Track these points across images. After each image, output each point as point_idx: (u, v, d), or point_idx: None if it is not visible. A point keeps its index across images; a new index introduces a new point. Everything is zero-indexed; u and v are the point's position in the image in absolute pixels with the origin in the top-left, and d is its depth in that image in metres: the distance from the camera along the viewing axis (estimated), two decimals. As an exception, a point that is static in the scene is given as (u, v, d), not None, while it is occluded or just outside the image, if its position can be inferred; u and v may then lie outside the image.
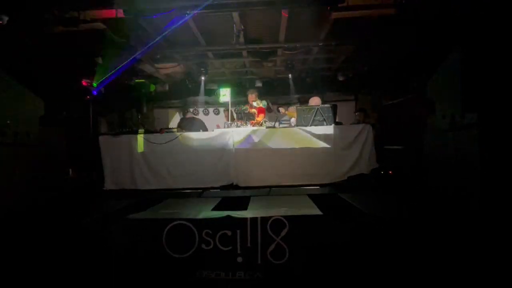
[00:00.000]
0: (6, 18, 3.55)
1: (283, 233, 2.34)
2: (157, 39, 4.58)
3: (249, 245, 2.35)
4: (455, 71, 2.40)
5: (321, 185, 3.99)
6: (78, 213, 3.01)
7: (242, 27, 4.75)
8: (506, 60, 2.24)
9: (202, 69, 6.41)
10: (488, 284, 1.97)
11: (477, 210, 2.15)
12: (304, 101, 8.21)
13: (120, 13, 3.89)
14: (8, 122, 2.94)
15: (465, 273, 2.07)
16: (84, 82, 4.94)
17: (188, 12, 3.94)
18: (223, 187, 4.07)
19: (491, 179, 2.12)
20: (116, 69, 5.19)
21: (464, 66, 2.31)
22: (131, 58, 5.24)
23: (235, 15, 4.39)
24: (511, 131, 2.12)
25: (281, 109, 5.79)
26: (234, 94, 5.62)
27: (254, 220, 2.37)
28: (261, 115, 5.06)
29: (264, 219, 2.37)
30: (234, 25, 4.66)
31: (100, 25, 4.20)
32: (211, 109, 8.56)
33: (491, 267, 1.99)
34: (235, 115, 4.88)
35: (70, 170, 4.36)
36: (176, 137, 4.22)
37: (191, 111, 6.97)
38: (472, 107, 2.26)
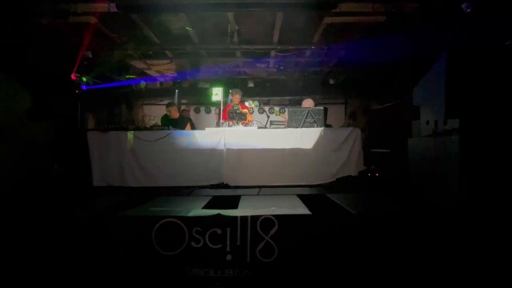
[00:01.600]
0: (-7, 7, 3.44)
1: (272, 232, 2.38)
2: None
3: (238, 243, 2.38)
4: (440, 79, 2.52)
5: (310, 186, 4.07)
6: (65, 209, 2.96)
7: (237, 28, 4.78)
8: (488, 70, 2.37)
9: (195, 67, 6.39)
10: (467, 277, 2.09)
11: (457, 209, 2.27)
12: (295, 103, 8.33)
13: (113, 8, 3.84)
14: (-7, 114, 2.85)
15: (447, 268, 2.18)
16: (73, 76, 4.83)
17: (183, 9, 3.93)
18: (213, 186, 4.09)
19: (470, 182, 2.24)
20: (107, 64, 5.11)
21: (448, 74, 2.43)
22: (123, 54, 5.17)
23: (230, 15, 4.41)
24: (490, 137, 2.25)
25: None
26: (226, 93, 5.63)
27: (244, 218, 2.41)
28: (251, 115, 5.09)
29: (254, 218, 2.41)
30: (229, 25, 4.69)
31: (92, 19, 4.13)
32: (202, 108, 8.53)
33: (472, 263, 2.11)
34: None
35: (56, 165, 4.26)
36: (167, 135, 4.20)
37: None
38: (454, 114, 2.38)
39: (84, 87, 5.00)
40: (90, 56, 4.99)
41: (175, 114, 5.12)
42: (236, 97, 5.02)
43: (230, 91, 5.15)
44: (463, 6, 3.66)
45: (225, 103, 4.98)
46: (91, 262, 2.33)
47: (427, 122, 2.83)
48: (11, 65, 3.28)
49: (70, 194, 3.69)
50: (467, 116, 2.32)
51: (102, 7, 3.89)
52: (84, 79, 4.98)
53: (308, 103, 5.01)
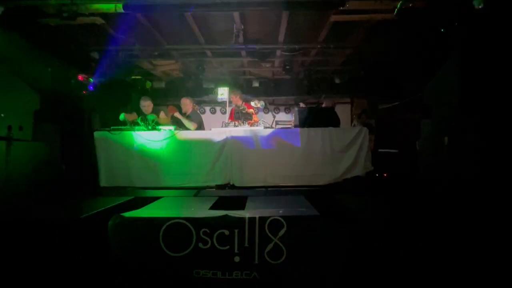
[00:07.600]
0: (1, 9, 3.47)
1: (280, 233, 2.35)
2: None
3: (246, 244, 2.35)
4: (453, 76, 2.45)
5: (317, 187, 4.02)
6: (72, 210, 2.97)
7: (242, 27, 4.75)
8: (503, 66, 2.30)
9: (200, 67, 6.38)
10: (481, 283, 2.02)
11: (472, 213, 2.20)
12: (300, 102, 8.26)
13: (119, 8, 3.84)
14: (2, 115, 2.88)
15: (457, 275, 2.12)
16: (80, 77, 4.86)
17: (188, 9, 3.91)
18: (219, 187, 4.07)
19: (487, 185, 2.17)
20: (113, 64, 5.13)
21: (461, 72, 2.36)
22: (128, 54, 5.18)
23: (236, 14, 4.38)
24: (508, 136, 2.18)
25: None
26: (231, 93, 5.59)
27: (252, 220, 2.38)
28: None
29: (262, 219, 2.38)
30: (234, 25, 4.66)
31: (99, 20, 4.14)
32: (207, 108, 8.54)
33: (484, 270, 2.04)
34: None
35: (64, 166, 4.28)
36: (173, 135, 4.19)
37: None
38: (469, 112, 2.31)
39: (91, 88, 5.03)
40: (97, 57, 5.01)
41: (187, 108, 4.87)
42: (233, 98, 5.00)
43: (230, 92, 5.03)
44: (474, 1, 3.57)
45: (230, 103, 4.95)
46: (97, 263, 2.32)
47: (439, 122, 2.76)
48: (20, 67, 3.31)
49: (77, 195, 3.71)
50: (483, 114, 2.25)
51: (108, 8, 3.89)
52: (91, 79, 5.00)
53: (326, 103, 4.93)
